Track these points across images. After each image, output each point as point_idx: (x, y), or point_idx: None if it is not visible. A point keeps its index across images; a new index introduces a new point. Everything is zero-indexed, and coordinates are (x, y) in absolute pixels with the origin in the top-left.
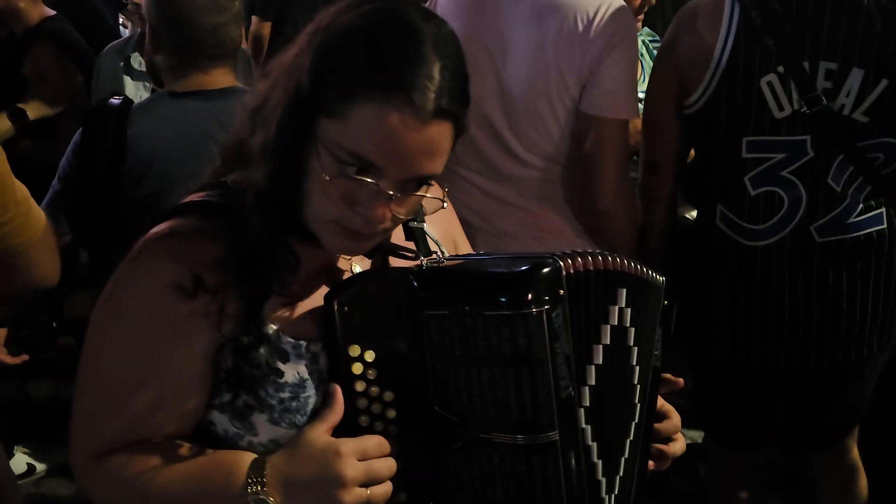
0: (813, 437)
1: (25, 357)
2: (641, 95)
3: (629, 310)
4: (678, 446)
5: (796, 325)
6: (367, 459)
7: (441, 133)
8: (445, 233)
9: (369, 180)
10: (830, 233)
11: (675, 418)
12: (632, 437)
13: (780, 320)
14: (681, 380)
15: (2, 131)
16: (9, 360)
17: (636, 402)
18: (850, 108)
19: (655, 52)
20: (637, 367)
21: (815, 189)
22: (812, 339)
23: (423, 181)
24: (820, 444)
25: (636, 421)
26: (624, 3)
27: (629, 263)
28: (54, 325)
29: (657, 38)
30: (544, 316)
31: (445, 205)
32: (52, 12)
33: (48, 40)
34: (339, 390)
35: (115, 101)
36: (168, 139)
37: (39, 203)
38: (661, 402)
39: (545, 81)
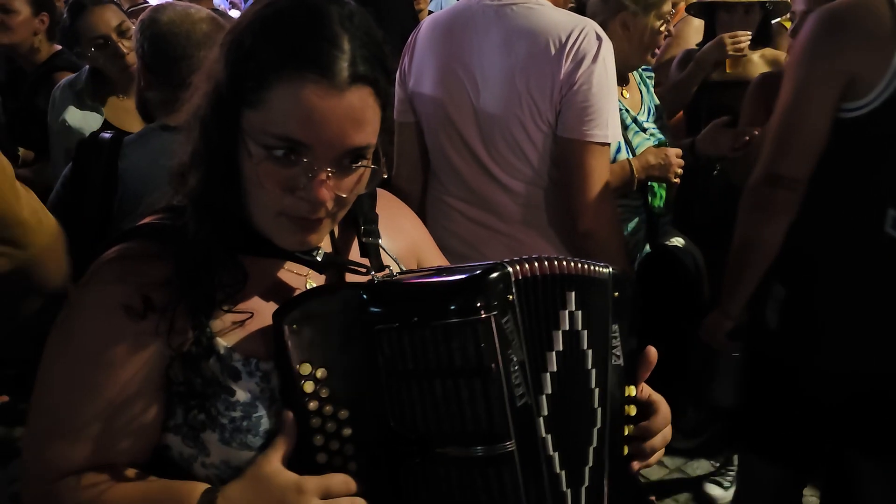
0: None
1: (5, 398)
2: (646, 125)
3: (580, 312)
4: (658, 440)
5: None
6: (331, 498)
7: (362, 99)
8: (409, 247)
9: (304, 159)
10: None
11: (663, 410)
12: (595, 444)
13: None
14: (650, 348)
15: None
16: None
17: (595, 406)
18: None
19: (649, 80)
20: (593, 371)
21: None
22: None
23: (358, 155)
24: None
25: (598, 426)
26: (598, 26)
27: (573, 264)
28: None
29: (649, 67)
30: (492, 322)
31: (385, 175)
32: (59, 47)
33: (66, 71)
34: (290, 416)
35: (107, 134)
36: (160, 173)
37: None
38: (647, 392)
39: (518, 106)
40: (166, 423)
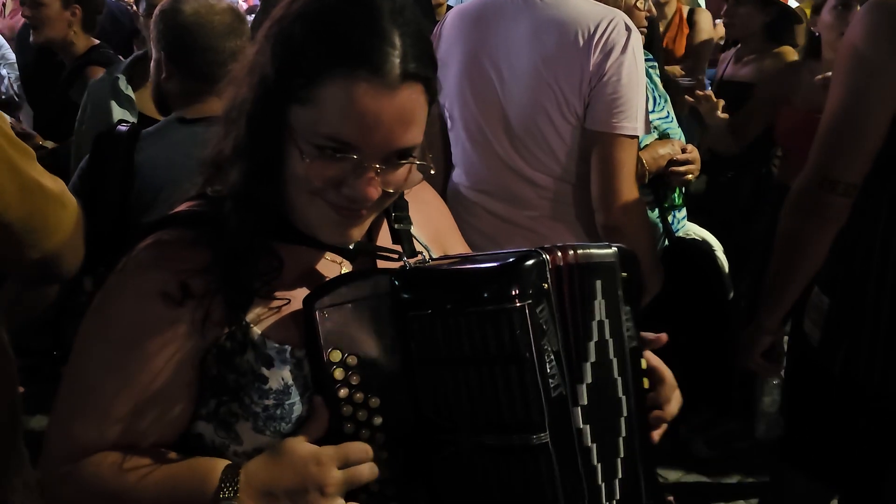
0: None
1: (21, 389)
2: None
3: (604, 302)
4: (672, 407)
5: None
6: (350, 466)
7: (413, 98)
8: (434, 234)
9: (353, 157)
10: None
11: (668, 377)
12: (624, 434)
13: None
14: (663, 335)
15: None
16: None
17: (620, 395)
18: None
19: (651, 71)
20: (615, 360)
21: None
22: None
23: (405, 154)
24: None
25: (625, 415)
26: (627, 17)
27: (589, 250)
28: (55, 353)
29: (651, 57)
30: (526, 310)
31: (433, 171)
32: (97, 41)
33: (100, 65)
34: (320, 402)
35: (124, 127)
36: (177, 166)
37: None
38: (654, 361)
39: (546, 98)
40: (198, 411)
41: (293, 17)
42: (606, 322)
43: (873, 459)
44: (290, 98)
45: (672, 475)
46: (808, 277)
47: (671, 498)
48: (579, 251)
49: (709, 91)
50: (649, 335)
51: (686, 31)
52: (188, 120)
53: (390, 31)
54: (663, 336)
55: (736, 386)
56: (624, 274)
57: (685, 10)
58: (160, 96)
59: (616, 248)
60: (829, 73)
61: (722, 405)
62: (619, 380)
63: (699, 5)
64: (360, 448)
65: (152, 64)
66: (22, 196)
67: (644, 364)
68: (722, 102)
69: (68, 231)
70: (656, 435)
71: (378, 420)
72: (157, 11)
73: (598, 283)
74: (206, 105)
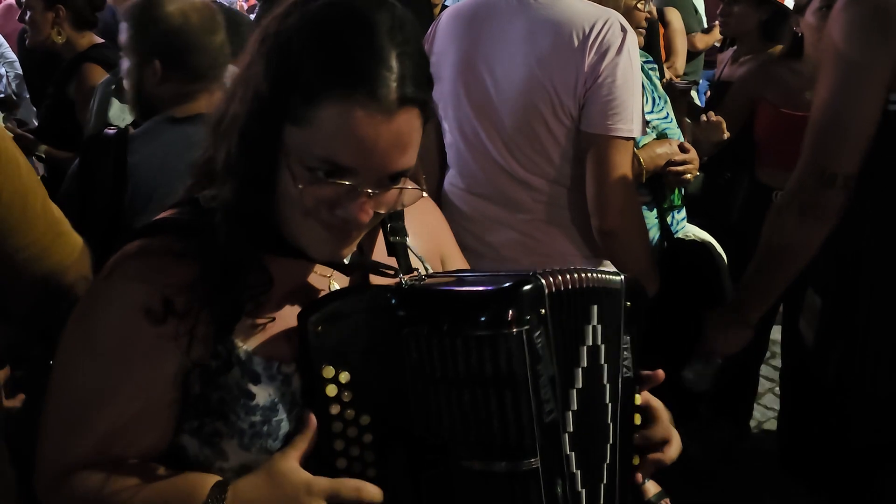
0: None
1: (22, 396)
2: (648, 116)
3: (600, 327)
4: (672, 451)
5: None
6: (340, 502)
7: (409, 122)
8: (433, 248)
9: (346, 182)
10: None
11: (664, 418)
12: (608, 461)
13: None
14: (660, 371)
15: None
16: (8, 402)
17: (608, 421)
18: None
19: (652, 72)
20: (608, 386)
21: None
22: None
23: (398, 176)
24: None
25: (611, 442)
26: (623, 18)
27: (594, 275)
28: (51, 362)
29: (650, 58)
30: (524, 336)
31: (424, 195)
32: (101, 40)
33: (96, 63)
34: (312, 416)
35: (111, 131)
36: (172, 167)
37: None
38: (648, 399)
39: (540, 100)
40: (182, 425)
41: (288, 32)
42: (602, 347)
43: (867, 462)
44: (285, 117)
45: (668, 479)
46: (795, 275)
47: (667, 500)
48: (579, 275)
49: (712, 115)
50: (647, 372)
51: (661, 30)
52: (179, 119)
53: (388, 52)
54: (660, 373)
55: (730, 389)
56: (628, 303)
57: (653, 9)
58: (146, 100)
59: (623, 277)
60: None
61: (717, 407)
62: (609, 406)
63: (696, 7)
64: (354, 485)
65: (129, 70)
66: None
67: (638, 400)
68: (723, 122)
69: (66, 258)
70: (639, 477)
71: (368, 438)
72: (130, 17)
73: (595, 309)
74: (197, 103)
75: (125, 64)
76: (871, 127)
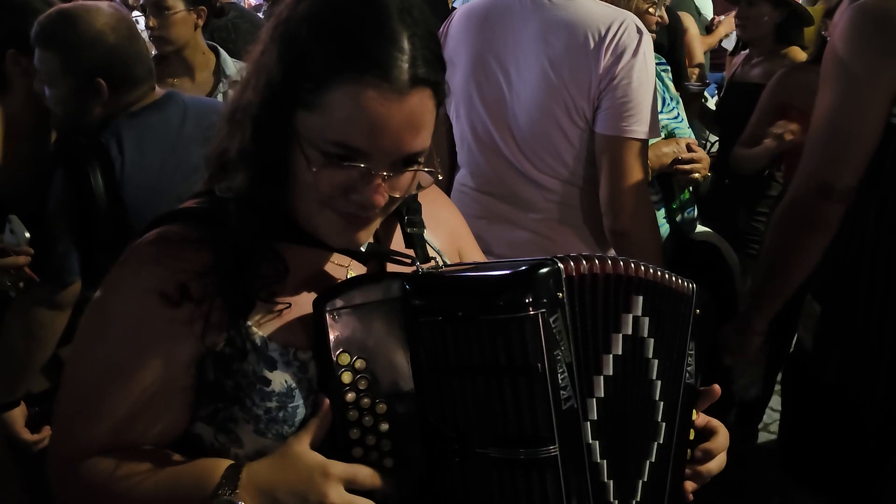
0: None
1: (48, 429)
2: (661, 118)
3: (646, 319)
4: (715, 464)
5: None
6: (355, 487)
7: (421, 103)
8: (450, 241)
9: (361, 165)
10: None
11: (723, 435)
12: (653, 459)
13: None
14: (716, 386)
15: None
16: (32, 437)
17: (659, 419)
18: None
19: (664, 74)
20: (658, 382)
21: None
22: None
23: (413, 159)
24: None
25: (660, 442)
26: (639, 19)
27: (649, 270)
28: None
29: (663, 60)
30: (540, 320)
31: (441, 176)
32: None
33: None
34: (326, 400)
35: (85, 140)
36: (159, 159)
37: None
38: (704, 419)
39: (554, 101)
40: (197, 412)
41: (299, 19)
42: (650, 341)
43: (868, 465)
44: (297, 103)
45: None
46: (798, 284)
47: None
48: (614, 263)
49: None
50: (705, 388)
51: None
52: (135, 112)
53: (399, 34)
54: (716, 388)
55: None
56: (697, 311)
57: (664, 14)
58: (90, 120)
59: (695, 286)
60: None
61: (727, 406)
62: (661, 404)
63: (699, 10)
64: (368, 473)
65: (64, 95)
66: None
67: (696, 415)
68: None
69: None
70: (689, 487)
71: (384, 426)
72: (51, 41)
73: (640, 300)
74: (146, 100)
75: (51, 90)
76: (873, 140)
